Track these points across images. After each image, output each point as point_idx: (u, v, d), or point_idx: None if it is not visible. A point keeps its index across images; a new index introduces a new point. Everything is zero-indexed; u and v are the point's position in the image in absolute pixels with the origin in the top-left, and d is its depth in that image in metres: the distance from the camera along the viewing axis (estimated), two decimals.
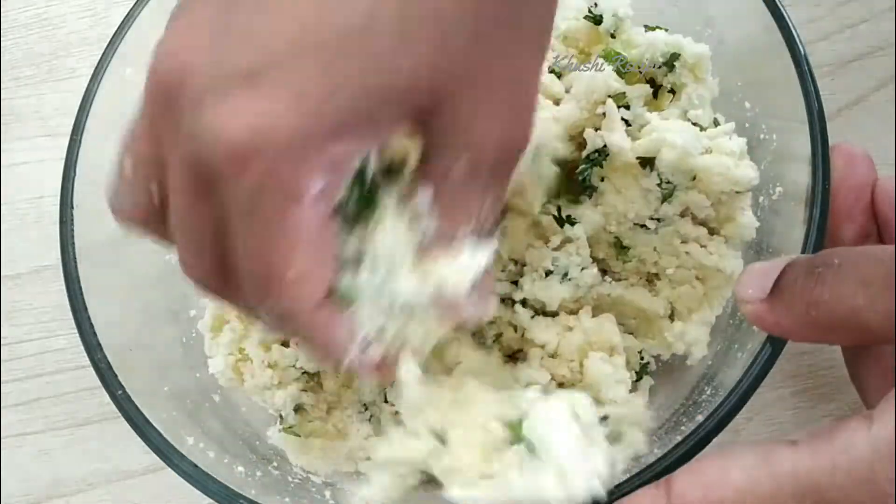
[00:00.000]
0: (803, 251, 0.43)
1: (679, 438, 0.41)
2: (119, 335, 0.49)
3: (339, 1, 0.34)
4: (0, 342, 0.61)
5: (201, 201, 0.36)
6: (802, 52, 0.45)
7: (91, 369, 0.48)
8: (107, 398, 0.46)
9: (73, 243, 0.49)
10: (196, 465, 0.44)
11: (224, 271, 0.38)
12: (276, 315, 0.37)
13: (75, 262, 0.49)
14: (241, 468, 0.47)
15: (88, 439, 0.58)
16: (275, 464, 0.49)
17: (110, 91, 0.52)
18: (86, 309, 0.48)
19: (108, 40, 0.53)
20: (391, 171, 0.38)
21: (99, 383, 0.47)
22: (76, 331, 0.49)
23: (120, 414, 0.46)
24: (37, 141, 0.65)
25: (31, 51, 0.66)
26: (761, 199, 0.49)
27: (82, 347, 0.48)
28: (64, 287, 0.50)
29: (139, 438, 0.45)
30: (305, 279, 0.36)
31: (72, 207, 0.50)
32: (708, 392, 0.45)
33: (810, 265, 0.38)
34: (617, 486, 0.41)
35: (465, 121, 0.37)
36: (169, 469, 0.45)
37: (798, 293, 0.37)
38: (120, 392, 0.46)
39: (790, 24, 0.46)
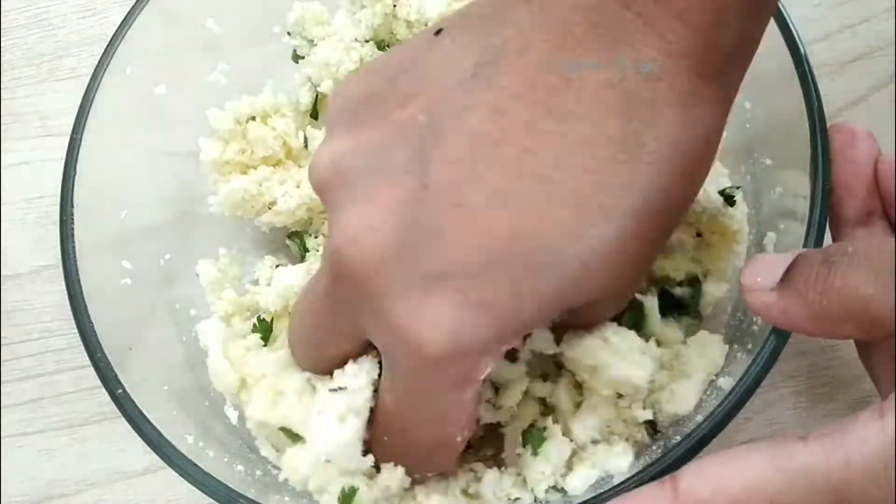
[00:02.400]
0: None
1: (679, 438, 0.41)
2: (119, 335, 0.49)
3: (533, 221, 0.36)
4: (0, 342, 0.61)
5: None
6: (803, 53, 0.45)
7: (91, 369, 0.48)
8: (107, 398, 0.46)
9: (74, 243, 0.49)
10: (196, 465, 0.44)
11: None
12: (423, 461, 0.44)
13: (75, 261, 0.49)
14: (240, 467, 0.47)
15: (88, 439, 0.58)
16: (274, 463, 0.49)
17: (110, 91, 0.52)
18: (86, 308, 0.48)
19: (108, 40, 0.53)
20: None
21: (99, 383, 0.47)
22: (76, 331, 0.48)
23: (120, 413, 0.46)
24: (37, 141, 0.64)
25: (31, 50, 0.66)
26: (762, 198, 0.49)
27: (82, 347, 0.48)
28: (64, 287, 0.50)
29: (139, 438, 0.45)
30: (463, 441, 0.42)
31: (72, 207, 0.50)
32: (707, 391, 0.45)
33: (824, 255, 0.37)
34: (615, 486, 0.41)
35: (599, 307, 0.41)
36: (169, 469, 0.44)
37: (810, 282, 0.37)
38: (120, 391, 0.46)
39: (791, 24, 0.46)
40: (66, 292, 0.49)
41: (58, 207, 0.50)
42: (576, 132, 0.36)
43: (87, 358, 0.47)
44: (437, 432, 0.41)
